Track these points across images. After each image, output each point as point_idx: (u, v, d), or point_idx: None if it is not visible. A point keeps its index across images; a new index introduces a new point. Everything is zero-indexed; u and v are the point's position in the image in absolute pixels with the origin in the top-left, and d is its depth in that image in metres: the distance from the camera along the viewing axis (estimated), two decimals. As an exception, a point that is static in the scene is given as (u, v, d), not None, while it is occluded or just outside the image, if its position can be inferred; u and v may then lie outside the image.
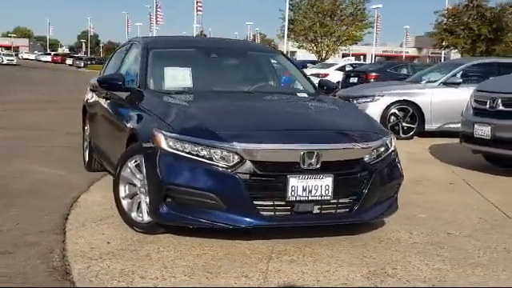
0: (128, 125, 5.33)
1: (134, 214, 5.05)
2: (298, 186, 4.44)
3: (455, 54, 40.73)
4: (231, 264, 4.30)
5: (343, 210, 4.68)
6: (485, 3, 36.54)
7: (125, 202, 5.13)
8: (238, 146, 4.42)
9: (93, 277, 4.00)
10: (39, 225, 5.17)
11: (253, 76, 6.50)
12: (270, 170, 4.45)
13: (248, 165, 4.40)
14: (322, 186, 4.50)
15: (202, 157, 4.46)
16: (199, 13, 52.55)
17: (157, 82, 5.79)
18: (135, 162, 5.03)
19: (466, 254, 4.71)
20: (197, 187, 4.45)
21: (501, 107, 8.00)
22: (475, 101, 8.59)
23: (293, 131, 4.79)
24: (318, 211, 4.59)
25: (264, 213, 4.47)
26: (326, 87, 6.30)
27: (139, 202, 5.02)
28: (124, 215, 5.11)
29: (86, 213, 5.61)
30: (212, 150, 4.44)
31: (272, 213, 4.49)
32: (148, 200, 4.81)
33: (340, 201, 4.63)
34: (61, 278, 3.97)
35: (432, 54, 74.47)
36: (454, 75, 12.46)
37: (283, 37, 42.34)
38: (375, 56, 63.14)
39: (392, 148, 5.01)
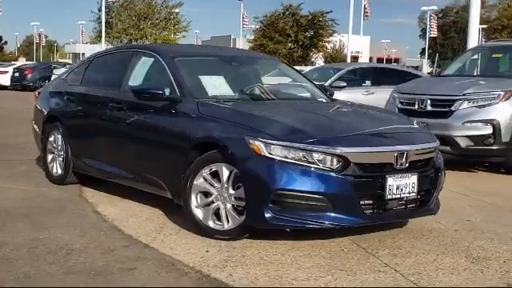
0: (191, 134, 5.31)
1: (211, 223, 5.10)
2: (393, 184, 4.86)
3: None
4: (350, 261, 4.62)
5: (421, 205, 5.17)
6: (299, 11, 39.21)
7: (199, 212, 5.16)
8: (344, 149, 4.72)
9: (250, 282, 4.10)
10: (112, 243, 5.00)
11: (274, 84, 6.72)
12: (370, 171, 4.83)
13: (352, 167, 4.72)
14: (410, 183, 4.96)
15: (307, 161, 4.69)
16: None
17: (199, 91, 5.79)
18: (210, 170, 5.08)
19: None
20: (306, 190, 4.68)
21: (429, 107, 9.00)
22: (400, 102, 9.52)
23: (384, 134, 5.21)
24: (404, 207, 5.03)
25: (366, 211, 4.81)
26: (328, 93, 6.72)
27: (216, 210, 5.07)
28: (200, 225, 5.14)
29: (141, 227, 5.48)
30: (317, 155, 4.69)
31: (372, 211, 4.85)
32: (237, 206, 4.95)
33: (419, 197, 5.11)
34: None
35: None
36: (338, 79, 13.42)
37: (99, 40, 41.59)
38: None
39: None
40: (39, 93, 8.15)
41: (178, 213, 5.57)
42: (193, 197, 5.18)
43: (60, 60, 67.51)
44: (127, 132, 6.13)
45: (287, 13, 39.38)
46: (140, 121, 5.99)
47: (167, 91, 5.69)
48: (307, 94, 6.58)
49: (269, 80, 6.94)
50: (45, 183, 7.36)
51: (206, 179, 5.12)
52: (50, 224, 5.49)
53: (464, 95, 8.79)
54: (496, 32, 49.59)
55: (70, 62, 57.83)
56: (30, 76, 33.07)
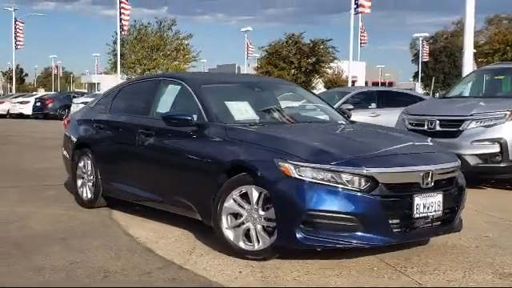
0: (220, 158, 5.15)
1: (242, 244, 4.93)
2: (420, 203, 4.69)
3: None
4: (381, 279, 4.45)
5: (446, 223, 4.99)
6: (301, 39, 39.30)
7: (230, 233, 5.00)
8: (372, 170, 4.56)
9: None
10: (147, 265, 4.84)
11: (299, 107, 6.58)
12: (398, 190, 4.65)
13: (380, 187, 4.55)
14: (435, 202, 4.79)
15: (336, 182, 4.53)
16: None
17: (225, 116, 5.65)
18: (240, 192, 4.92)
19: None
20: (336, 211, 4.50)
21: (438, 128, 8.85)
22: (410, 123, 9.37)
23: (409, 155, 5.05)
24: (430, 225, 4.85)
25: (395, 230, 4.63)
26: (346, 115, 6.57)
27: (246, 231, 4.90)
28: (231, 246, 4.97)
29: (172, 248, 5.31)
30: (345, 175, 4.52)
31: (400, 229, 4.67)
32: (267, 227, 4.79)
33: (445, 215, 4.93)
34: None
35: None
36: (345, 102, 13.29)
37: (114, 70, 41.72)
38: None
39: None
40: (68, 121, 7.99)
41: (206, 234, 5.43)
42: (223, 218, 5.02)
43: (76, 90, 67.67)
44: (156, 157, 5.99)
45: (290, 41, 39.46)
46: (169, 146, 5.85)
47: (195, 117, 5.55)
48: (327, 117, 6.43)
49: (287, 104, 6.76)
50: (75, 207, 7.20)
51: (236, 201, 4.97)
52: (86, 247, 5.32)
53: (472, 115, 8.65)
54: (488, 56, 49.52)
55: (85, 91, 57.97)
56: (50, 105, 33.04)
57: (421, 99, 13.72)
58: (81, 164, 7.22)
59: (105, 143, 6.91)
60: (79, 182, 7.28)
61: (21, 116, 34.44)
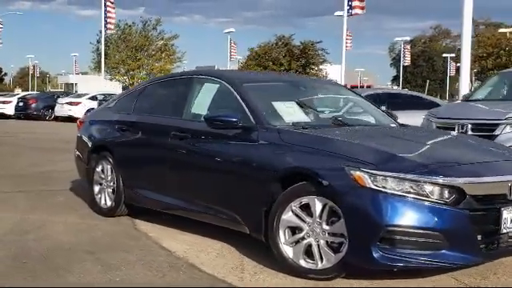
0: (274, 165, 4.60)
1: (303, 262, 4.39)
2: (507, 217, 4.17)
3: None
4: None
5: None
6: (291, 41, 38.93)
7: (288, 249, 4.45)
8: (461, 180, 4.03)
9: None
10: (200, 285, 4.28)
11: (346, 108, 6.02)
12: (486, 203, 4.13)
13: (468, 199, 4.03)
14: None
15: (417, 193, 3.99)
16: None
17: (275, 117, 5.09)
18: (300, 203, 4.38)
19: None
20: (421, 226, 3.97)
21: (470, 132, 8.43)
22: (437, 127, 8.93)
23: (493, 163, 4.54)
24: None
25: (482, 248, 4.12)
26: (394, 117, 6.06)
27: (307, 247, 4.36)
28: (290, 264, 4.43)
29: (218, 264, 4.76)
30: (429, 186, 3.99)
31: (486, 247, 4.15)
32: (332, 243, 4.27)
33: (527, 229, 4.42)
34: None
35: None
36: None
37: (97, 70, 40.83)
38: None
39: None
40: (82, 122, 7.35)
41: (250, 248, 4.97)
42: (281, 233, 4.47)
43: (52, 90, 65.99)
44: (194, 162, 5.40)
45: (280, 43, 39.03)
46: (209, 150, 5.25)
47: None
48: (378, 119, 5.87)
49: (333, 104, 6.18)
50: (90, 215, 6.60)
51: (295, 213, 4.42)
52: (121, 263, 4.74)
53: (506, 119, 8.23)
54: (481, 59, 49.53)
55: (62, 91, 56.57)
56: (34, 105, 32.06)
57: (432, 102, 13.33)
58: (98, 169, 6.61)
59: (129, 146, 6.30)
60: (96, 189, 6.67)
61: (2, 116, 33.39)
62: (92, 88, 37.90)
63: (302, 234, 4.39)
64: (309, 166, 4.39)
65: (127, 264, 4.70)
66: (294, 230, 4.45)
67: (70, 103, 29.70)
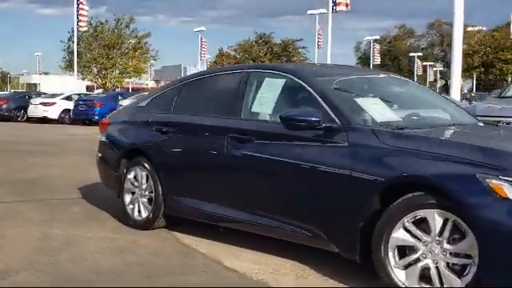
0: (375, 172, 3.88)
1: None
2: None
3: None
4: None
5: None
6: (272, 39, 38.35)
7: (399, 273, 3.75)
8: None
9: None
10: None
11: (430, 105, 5.31)
12: None
13: None
14: None
15: None
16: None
17: (363, 117, 4.37)
18: (415, 217, 3.68)
19: None
20: None
21: (515, 130, 7.86)
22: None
23: None
24: None
25: None
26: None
27: (423, 270, 3.67)
28: (403, 288, 3.70)
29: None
30: None
31: None
32: (453, 265, 3.59)
33: None
34: None
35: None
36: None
37: (69, 68, 39.40)
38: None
39: None
40: (107, 124, 6.48)
41: (332, 267, 4.34)
42: (390, 253, 3.76)
43: (13, 90, 63.68)
44: (262, 169, 4.63)
45: (260, 41, 38.44)
46: (282, 155, 4.47)
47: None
48: (466, 119, 5.16)
49: (414, 101, 5.44)
50: (122, 228, 5.79)
51: (408, 230, 3.72)
52: (190, 290, 3.96)
53: None
54: (468, 56, 49.71)
55: (25, 91, 54.72)
56: (5, 106, 30.56)
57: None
58: (130, 176, 5.80)
59: (170, 150, 5.49)
60: (127, 198, 5.85)
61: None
62: (53, 88, 36.81)
63: (417, 255, 3.69)
64: (427, 173, 3.68)
65: (200, 292, 3.93)
66: (404, 249, 3.75)
67: (45, 104, 28.45)
